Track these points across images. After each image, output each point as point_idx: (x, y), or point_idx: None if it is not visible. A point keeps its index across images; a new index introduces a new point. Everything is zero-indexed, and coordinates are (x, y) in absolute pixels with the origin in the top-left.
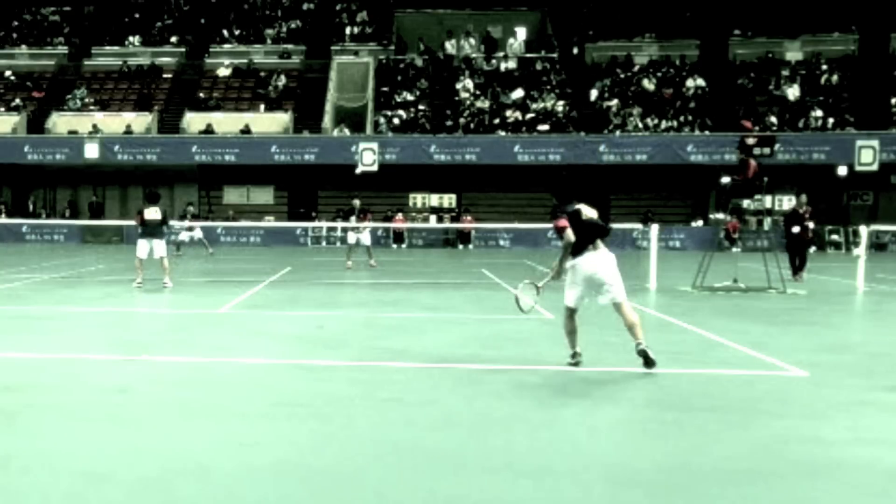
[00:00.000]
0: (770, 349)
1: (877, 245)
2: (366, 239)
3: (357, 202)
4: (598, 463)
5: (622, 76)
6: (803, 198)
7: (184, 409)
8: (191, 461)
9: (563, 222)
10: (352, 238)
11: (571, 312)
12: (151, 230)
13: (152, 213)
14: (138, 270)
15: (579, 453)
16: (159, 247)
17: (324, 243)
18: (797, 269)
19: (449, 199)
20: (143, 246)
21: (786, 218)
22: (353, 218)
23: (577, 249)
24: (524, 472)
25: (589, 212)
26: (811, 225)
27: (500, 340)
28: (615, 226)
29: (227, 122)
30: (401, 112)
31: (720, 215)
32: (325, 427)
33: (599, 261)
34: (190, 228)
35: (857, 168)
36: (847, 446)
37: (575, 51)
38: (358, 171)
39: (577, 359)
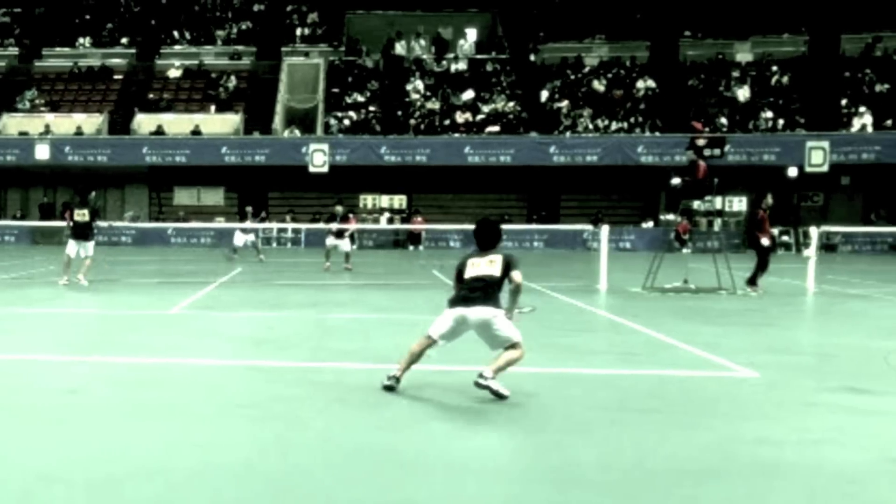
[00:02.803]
0: (720, 350)
1: (827, 246)
2: (345, 246)
3: (340, 208)
4: (549, 463)
5: (572, 77)
6: (769, 199)
7: (135, 410)
8: (143, 462)
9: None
10: (330, 242)
11: (431, 342)
12: (79, 231)
13: (80, 215)
14: (65, 269)
15: (531, 453)
16: (86, 248)
17: (274, 244)
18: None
19: (399, 201)
20: (72, 246)
21: (751, 223)
22: (334, 224)
23: (451, 300)
24: (476, 473)
25: (478, 269)
26: (774, 231)
27: (452, 342)
28: (565, 227)
29: (177, 124)
30: (351, 113)
31: (670, 216)
32: (277, 428)
33: (469, 312)
34: (245, 231)
35: (808, 169)
36: (796, 447)
37: (532, 57)
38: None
39: (392, 382)
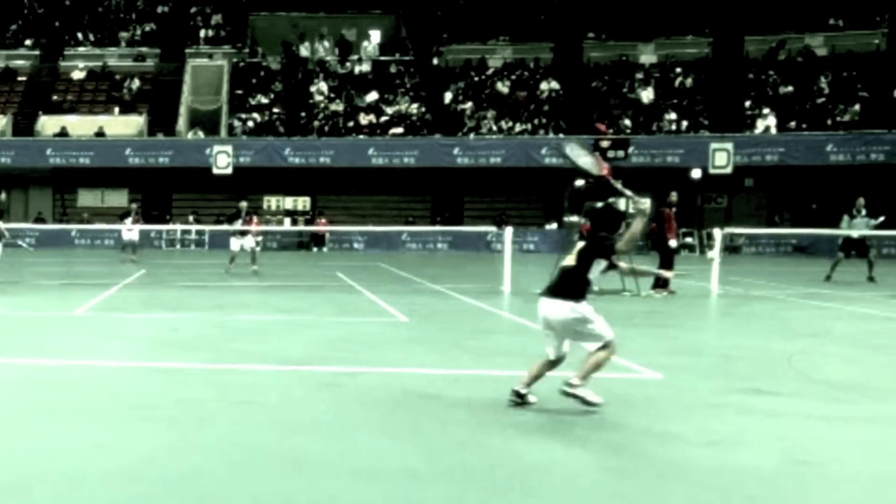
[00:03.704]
0: (624, 352)
1: (730, 248)
2: (249, 243)
3: (244, 204)
4: (453, 464)
5: (476, 79)
6: (674, 196)
7: (38, 411)
8: (45, 464)
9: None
10: (234, 245)
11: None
12: None
13: None
14: None
15: (433, 454)
16: None
17: (178, 246)
18: (664, 282)
19: (303, 202)
20: None
21: (660, 224)
22: (238, 222)
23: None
24: (379, 474)
25: (570, 258)
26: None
27: (355, 343)
28: (469, 229)
29: (81, 125)
30: (255, 115)
31: (574, 218)
32: (181, 430)
33: (547, 306)
34: (130, 229)
35: (711, 171)
36: (701, 448)
37: (435, 61)
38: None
39: (518, 398)
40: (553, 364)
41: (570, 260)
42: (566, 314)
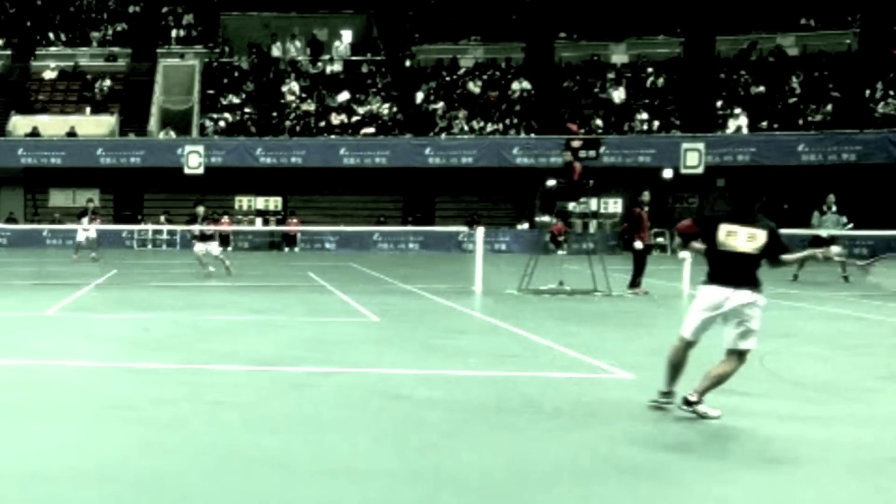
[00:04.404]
0: (596, 352)
1: None
2: (214, 249)
3: (201, 209)
4: (426, 465)
5: (448, 79)
6: (646, 195)
7: (9, 412)
8: (16, 465)
9: (686, 224)
10: (198, 248)
11: (686, 344)
12: None
13: None
14: None
15: (406, 455)
16: None
17: (149, 246)
18: (638, 282)
19: (275, 202)
20: None
21: (631, 225)
22: (196, 227)
23: (709, 274)
24: (352, 474)
25: (736, 240)
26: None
27: (326, 343)
28: (441, 229)
29: (53, 125)
30: (227, 115)
31: (546, 218)
32: (152, 430)
33: (732, 294)
34: (86, 228)
35: (683, 171)
36: (672, 449)
37: (407, 63)
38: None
39: (667, 398)
40: (690, 346)
41: (745, 248)
42: (747, 301)
